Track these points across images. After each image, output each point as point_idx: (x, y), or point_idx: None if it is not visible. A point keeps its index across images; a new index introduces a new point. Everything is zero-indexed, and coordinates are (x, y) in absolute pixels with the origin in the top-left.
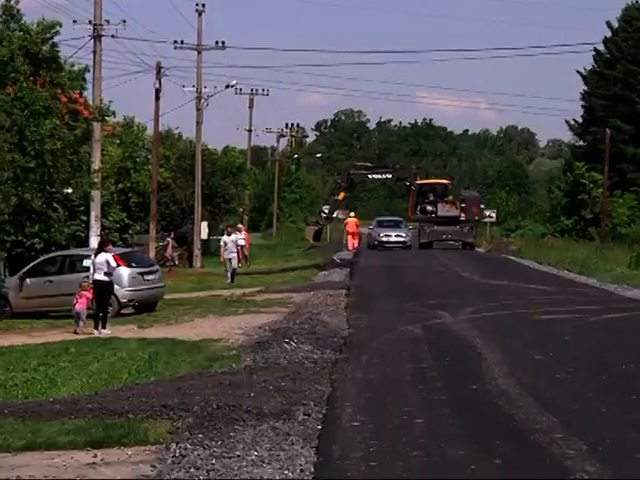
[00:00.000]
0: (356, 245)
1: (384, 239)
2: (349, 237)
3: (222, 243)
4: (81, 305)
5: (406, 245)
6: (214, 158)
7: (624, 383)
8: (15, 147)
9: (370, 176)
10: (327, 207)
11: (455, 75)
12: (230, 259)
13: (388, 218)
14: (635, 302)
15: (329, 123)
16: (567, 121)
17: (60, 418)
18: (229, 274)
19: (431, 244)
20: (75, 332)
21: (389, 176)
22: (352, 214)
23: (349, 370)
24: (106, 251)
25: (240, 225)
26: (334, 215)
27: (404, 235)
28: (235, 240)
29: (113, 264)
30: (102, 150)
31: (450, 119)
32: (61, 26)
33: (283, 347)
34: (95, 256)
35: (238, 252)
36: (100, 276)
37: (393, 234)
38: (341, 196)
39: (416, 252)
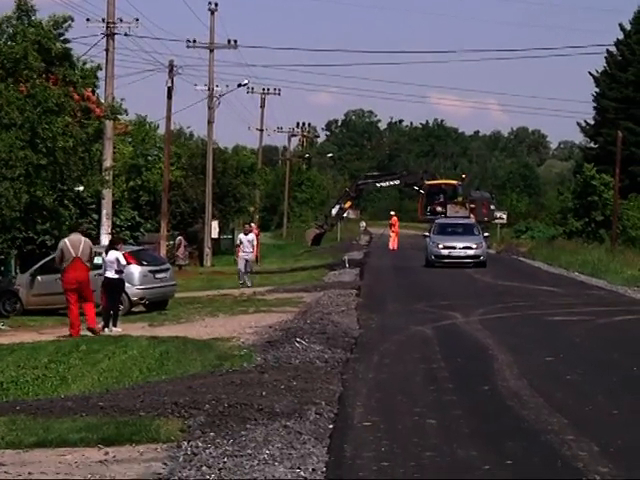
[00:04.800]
0: (395, 247)
1: (444, 252)
2: (394, 235)
3: (238, 241)
4: None
5: (479, 261)
6: (225, 157)
7: (635, 385)
8: (27, 144)
9: (378, 184)
10: (333, 214)
11: (466, 76)
12: (247, 260)
13: (453, 221)
14: None
15: (340, 123)
16: (578, 123)
17: (71, 415)
18: (243, 275)
19: None
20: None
21: (397, 182)
22: (393, 212)
23: (360, 370)
24: (116, 249)
25: (253, 225)
26: (339, 220)
27: (474, 246)
28: (251, 240)
29: (123, 262)
30: (114, 148)
31: (461, 120)
32: (73, 20)
33: (294, 346)
34: (106, 254)
35: (254, 251)
36: (111, 274)
37: (459, 245)
38: (347, 205)
39: None
